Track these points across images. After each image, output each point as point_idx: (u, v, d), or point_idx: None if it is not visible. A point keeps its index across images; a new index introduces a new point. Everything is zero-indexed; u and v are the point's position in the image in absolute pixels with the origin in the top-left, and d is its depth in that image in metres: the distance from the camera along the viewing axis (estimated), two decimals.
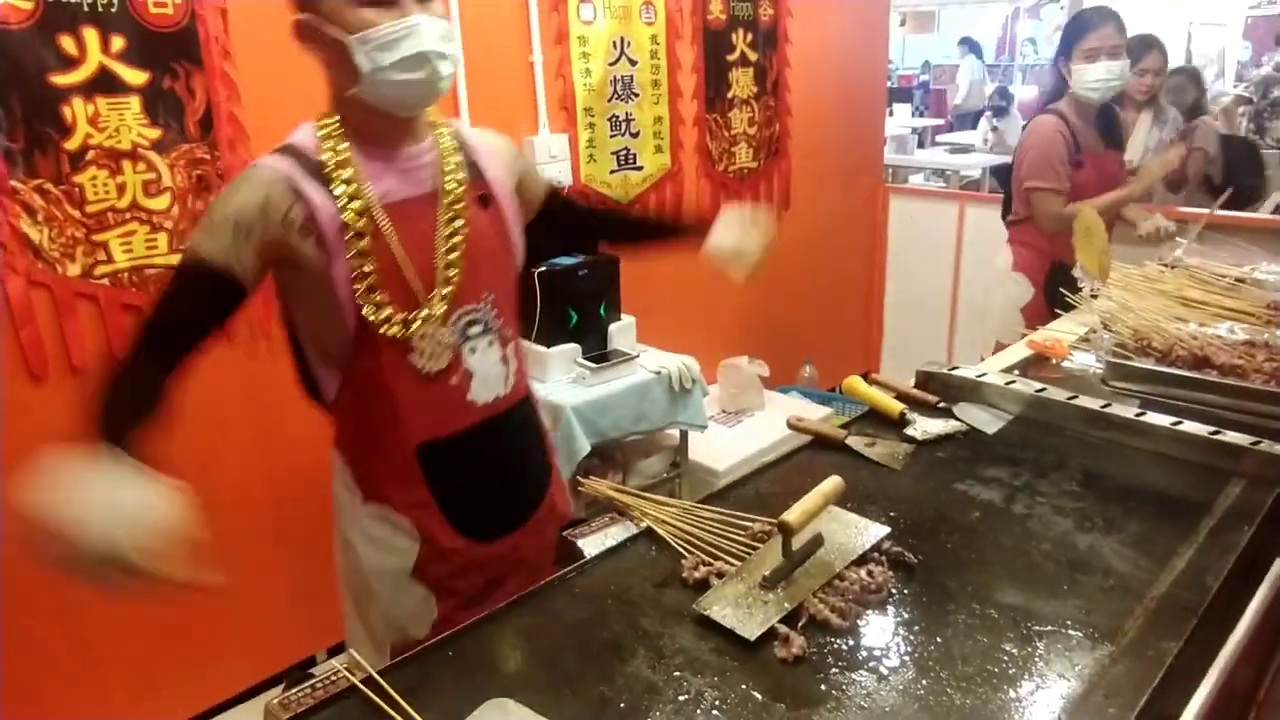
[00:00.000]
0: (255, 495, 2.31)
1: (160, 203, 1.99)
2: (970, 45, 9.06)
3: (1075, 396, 1.48)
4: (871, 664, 0.93)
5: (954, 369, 1.62)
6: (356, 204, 1.18)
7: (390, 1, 1.12)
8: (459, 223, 1.26)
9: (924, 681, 0.90)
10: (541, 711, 0.86)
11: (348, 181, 1.18)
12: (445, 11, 1.21)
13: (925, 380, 1.62)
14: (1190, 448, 1.33)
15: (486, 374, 1.31)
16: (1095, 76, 2.54)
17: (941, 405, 1.53)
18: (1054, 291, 2.59)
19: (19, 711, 1.99)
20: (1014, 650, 0.94)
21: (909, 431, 1.44)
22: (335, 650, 2.55)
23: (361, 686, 0.92)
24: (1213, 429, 1.33)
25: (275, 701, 0.99)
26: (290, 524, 2.39)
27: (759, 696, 0.89)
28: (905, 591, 1.05)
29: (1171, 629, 0.95)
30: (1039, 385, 1.54)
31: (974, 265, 3.78)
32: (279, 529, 2.37)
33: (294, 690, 1.01)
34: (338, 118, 1.22)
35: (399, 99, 1.19)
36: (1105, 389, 1.63)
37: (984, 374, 1.60)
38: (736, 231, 1.48)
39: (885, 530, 1.14)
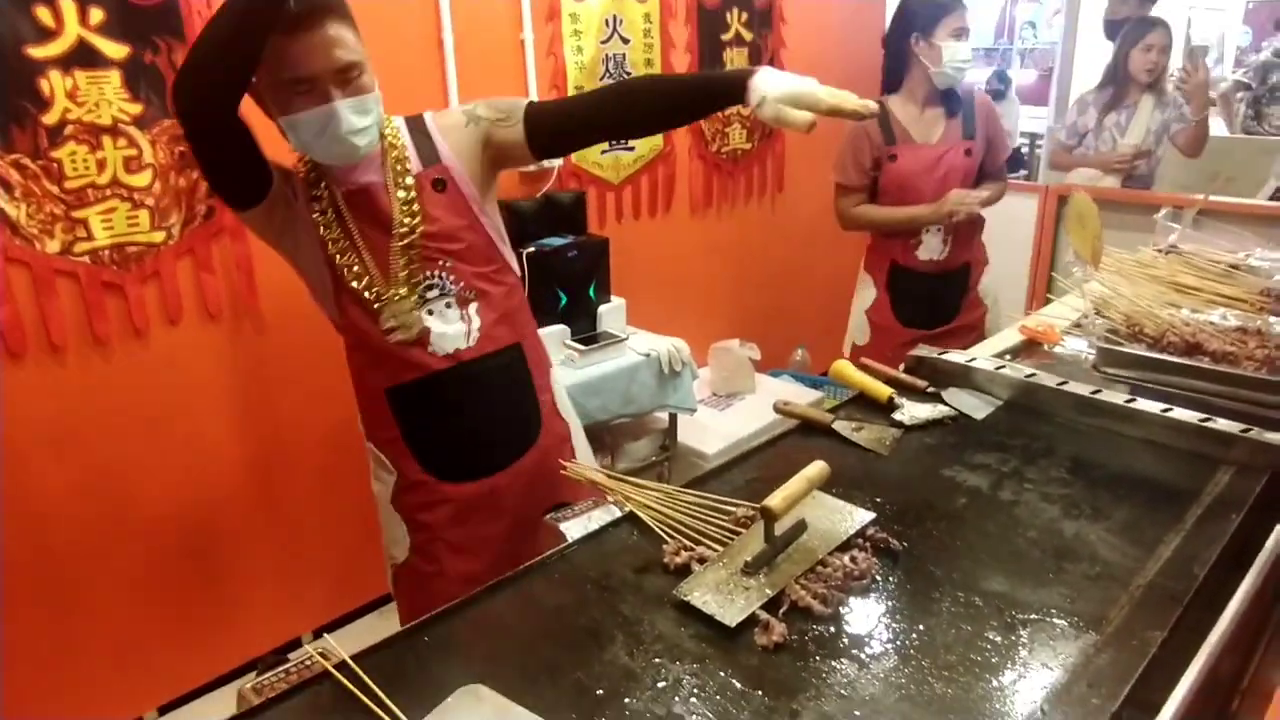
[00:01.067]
0: (240, 478, 2.29)
1: (142, 179, 1.96)
2: None
3: (1065, 382, 1.47)
4: (853, 652, 0.91)
5: (943, 353, 1.60)
6: (322, 191, 1.40)
7: (310, 90, 1.26)
8: (413, 218, 1.40)
9: (906, 670, 0.89)
10: (516, 699, 0.85)
11: (315, 183, 1.41)
12: (371, 82, 1.33)
13: (915, 364, 1.60)
14: (1180, 435, 1.32)
15: (444, 330, 1.44)
16: (963, 56, 2.36)
17: (931, 390, 1.51)
18: (897, 295, 2.62)
19: None
20: (997, 639, 0.93)
21: (897, 416, 1.42)
22: (321, 632, 2.54)
23: (334, 672, 0.91)
24: (1203, 416, 1.32)
25: (249, 686, 0.97)
26: (276, 505, 2.37)
27: (738, 684, 0.87)
28: (890, 578, 1.03)
29: (1157, 618, 0.94)
30: (1029, 370, 1.53)
31: None
32: (265, 511, 2.35)
33: (268, 674, 1.00)
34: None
35: (327, 162, 1.38)
36: (1097, 375, 1.62)
37: (974, 359, 1.58)
38: (793, 79, 1.25)
39: (870, 516, 1.12)
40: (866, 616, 0.97)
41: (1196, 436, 1.30)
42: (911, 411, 1.43)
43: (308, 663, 0.97)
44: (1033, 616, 0.96)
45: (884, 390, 1.47)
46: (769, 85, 1.23)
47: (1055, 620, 0.95)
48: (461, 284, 1.44)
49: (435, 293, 1.42)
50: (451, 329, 1.44)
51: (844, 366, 1.54)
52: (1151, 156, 3.37)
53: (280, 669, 0.99)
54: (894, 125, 2.48)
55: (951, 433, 1.40)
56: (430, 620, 0.99)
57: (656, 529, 1.13)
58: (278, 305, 2.25)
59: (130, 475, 2.08)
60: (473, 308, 1.46)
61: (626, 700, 0.86)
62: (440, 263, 1.42)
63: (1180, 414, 1.34)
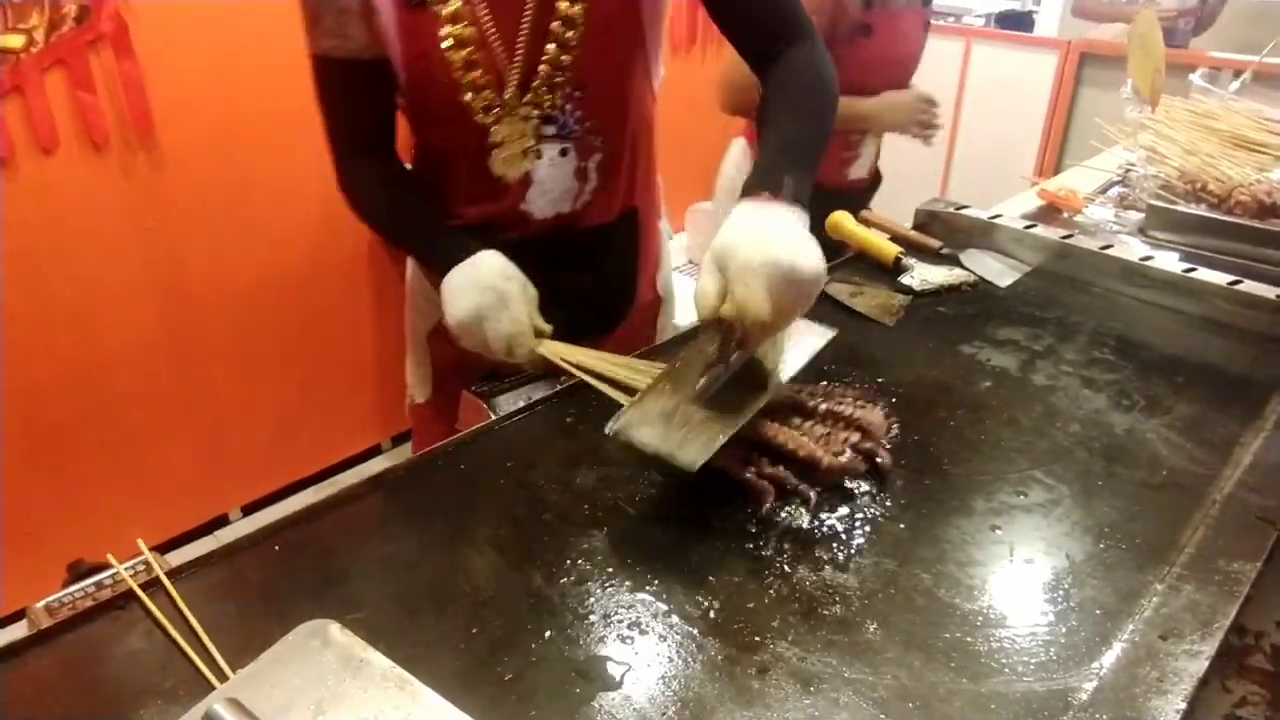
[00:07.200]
0: (141, 336, 2.00)
1: None
2: None
3: (1109, 246, 1.21)
4: (840, 580, 0.68)
5: (962, 208, 1.33)
6: None
7: None
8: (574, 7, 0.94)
9: (915, 606, 0.66)
10: (384, 637, 0.61)
11: None
12: None
13: (927, 221, 1.33)
14: (1251, 313, 1.08)
15: (550, 186, 1.05)
16: None
17: (945, 251, 1.25)
18: (814, 229, 1.97)
19: None
20: (1035, 567, 0.70)
21: (905, 280, 1.16)
22: (251, 509, 2.33)
23: (143, 595, 0.66)
24: None
25: (40, 605, 0.74)
26: (187, 367, 2.10)
27: (686, 626, 0.64)
28: (899, 482, 0.79)
29: (1244, 543, 0.72)
30: (1065, 232, 1.27)
31: (976, 109, 3.41)
32: (174, 373, 2.08)
33: (72, 589, 0.76)
34: None
35: None
36: (1138, 241, 1.36)
37: (998, 215, 1.31)
38: None
39: (833, 332, 0.90)
40: (861, 528, 0.74)
41: (1273, 315, 1.06)
42: (923, 274, 1.17)
43: (130, 571, 0.73)
44: (1080, 538, 0.73)
45: (890, 249, 1.20)
46: None
47: (1109, 543, 0.72)
48: (589, 124, 1.03)
49: (552, 130, 1.01)
50: (559, 187, 1.05)
51: (843, 219, 1.27)
52: (1193, 11, 3.01)
53: (91, 581, 0.75)
54: None
55: (970, 301, 1.15)
56: (285, 524, 0.75)
57: (610, 392, 0.86)
58: (180, 137, 1.90)
59: (2, 329, 1.79)
60: (594, 160, 1.06)
61: (536, 642, 0.63)
62: (569, 90, 0.99)
63: (1252, 287, 1.09)
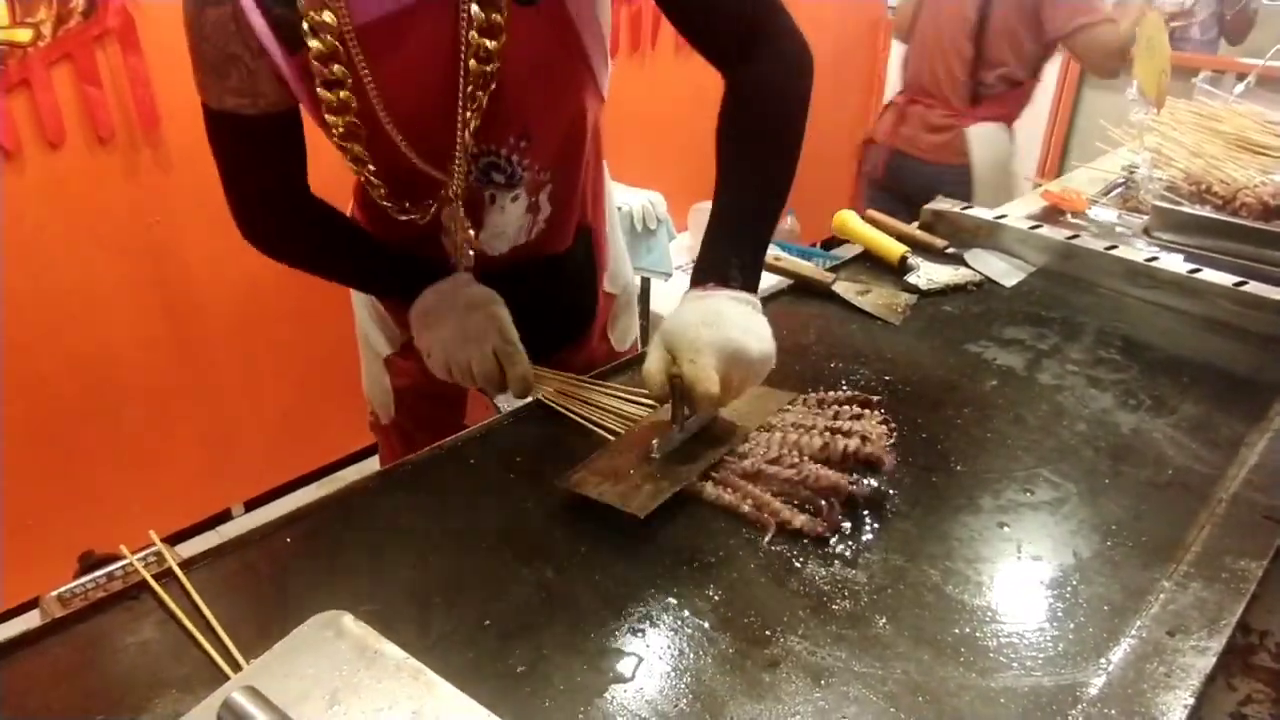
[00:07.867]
0: (152, 331, 2.00)
1: None
2: None
3: (1114, 246, 1.22)
4: (849, 576, 0.69)
5: (967, 208, 1.33)
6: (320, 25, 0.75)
7: None
8: (489, 43, 0.79)
9: (923, 601, 0.66)
10: (396, 629, 0.62)
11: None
12: None
13: (932, 220, 1.34)
14: (1256, 314, 1.08)
15: (504, 229, 0.99)
16: None
17: (951, 250, 1.25)
18: None
19: None
20: (1043, 563, 0.70)
21: (911, 279, 1.17)
22: (253, 504, 2.33)
23: (156, 586, 0.67)
24: None
25: (53, 595, 0.74)
26: (191, 362, 2.10)
27: (697, 619, 0.65)
28: (907, 479, 0.80)
29: (1251, 542, 0.72)
30: (1070, 232, 1.27)
31: None
32: (178, 367, 2.08)
33: (83, 580, 0.77)
34: None
35: None
36: (1143, 242, 1.36)
37: (1003, 215, 1.31)
38: None
39: (791, 396, 0.89)
40: (869, 524, 0.74)
41: (1278, 315, 1.07)
42: (928, 274, 1.18)
43: (141, 562, 0.73)
44: (1086, 536, 0.74)
45: (896, 248, 1.21)
46: None
47: (1115, 541, 0.73)
48: (537, 167, 0.94)
49: (501, 177, 0.93)
50: (512, 227, 0.98)
51: (849, 218, 1.27)
52: (1195, 17, 3.00)
53: (102, 572, 0.75)
54: None
55: (976, 301, 1.16)
56: (295, 516, 0.75)
57: (574, 417, 0.88)
58: (185, 133, 1.90)
59: (6, 322, 1.79)
60: (545, 193, 0.98)
61: (548, 634, 0.63)
62: (512, 136, 0.90)
63: (1258, 288, 1.09)
